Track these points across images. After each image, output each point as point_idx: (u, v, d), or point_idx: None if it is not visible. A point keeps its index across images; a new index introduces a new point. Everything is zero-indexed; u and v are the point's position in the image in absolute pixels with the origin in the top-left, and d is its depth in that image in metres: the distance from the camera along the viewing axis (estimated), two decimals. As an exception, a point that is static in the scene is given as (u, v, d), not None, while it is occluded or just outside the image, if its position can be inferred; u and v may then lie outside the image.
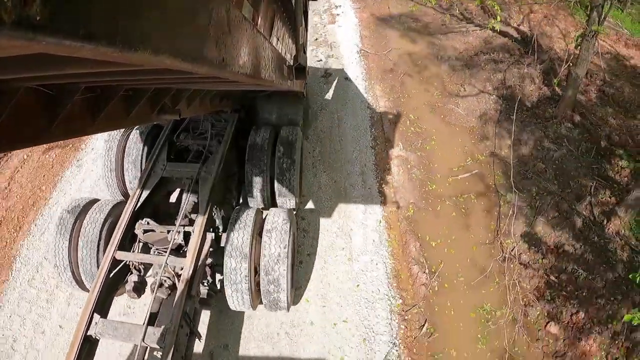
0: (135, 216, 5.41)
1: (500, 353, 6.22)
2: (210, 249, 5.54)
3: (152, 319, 4.70)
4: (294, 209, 7.19)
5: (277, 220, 5.65)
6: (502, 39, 12.08)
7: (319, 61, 11.36)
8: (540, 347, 6.35)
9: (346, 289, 6.65)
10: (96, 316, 4.49)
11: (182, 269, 5.02)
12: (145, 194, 5.63)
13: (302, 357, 5.94)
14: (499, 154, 8.85)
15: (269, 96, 7.39)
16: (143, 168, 6.65)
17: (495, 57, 11.42)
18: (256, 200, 6.86)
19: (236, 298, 5.42)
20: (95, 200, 5.94)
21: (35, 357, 5.88)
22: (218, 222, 5.82)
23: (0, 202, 7.83)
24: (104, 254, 5.24)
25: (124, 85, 2.49)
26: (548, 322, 6.55)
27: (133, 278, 5.23)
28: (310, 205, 7.84)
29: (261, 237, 5.58)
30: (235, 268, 5.26)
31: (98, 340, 4.54)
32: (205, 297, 5.40)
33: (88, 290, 5.54)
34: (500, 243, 7.33)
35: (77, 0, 0.79)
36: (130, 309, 6.34)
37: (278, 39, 3.81)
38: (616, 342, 6.08)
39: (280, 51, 3.95)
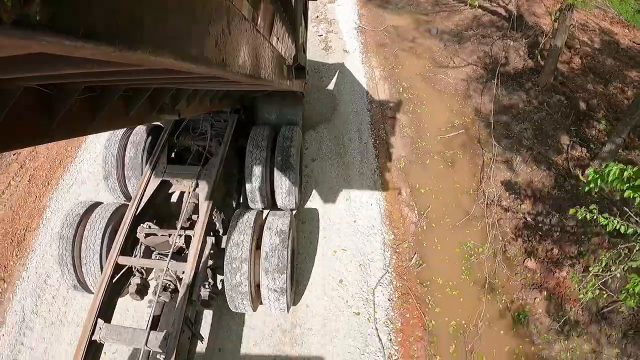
0: (137, 220, 5.43)
1: (481, 283, 7.04)
2: (211, 251, 5.57)
3: (154, 323, 4.76)
4: (293, 209, 7.21)
5: (276, 224, 5.70)
6: (491, 17, 12.88)
7: (319, 36, 12.20)
8: (519, 279, 7.14)
9: (344, 223, 7.56)
10: (100, 321, 4.56)
11: (183, 272, 5.05)
12: (146, 197, 5.65)
13: (305, 279, 6.87)
14: (482, 116, 9.75)
15: (268, 96, 7.38)
16: (143, 169, 6.67)
17: (483, 33, 12.24)
18: (256, 201, 6.85)
19: (236, 300, 5.48)
20: (97, 204, 6.01)
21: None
22: (218, 225, 5.86)
23: (28, 163, 8.59)
24: (106, 256, 5.30)
25: (123, 85, 2.49)
26: (525, 258, 7.31)
27: (136, 280, 5.27)
28: (314, 154, 8.77)
29: (261, 239, 5.62)
30: (235, 271, 5.31)
31: (102, 345, 4.60)
32: (206, 299, 5.45)
33: (91, 292, 5.65)
34: (483, 191, 8.18)
35: (77, 0, 0.79)
36: (127, 311, 6.36)
37: (278, 39, 3.81)
38: (587, 275, 6.63)
39: (280, 51, 3.95)
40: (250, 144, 6.76)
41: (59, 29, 0.75)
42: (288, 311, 5.94)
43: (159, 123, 7.03)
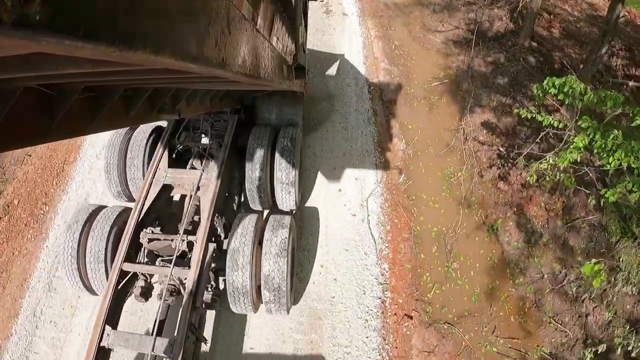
0: (140, 225, 5.49)
1: (459, 199, 8.25)
2: (213, 254, 5.65)
3: (160, 327, 4.88)
4: (293, 210, 7.21)
5: (277, 227, 5.81)
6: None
7: (321, 1, 13.15)
8: (492, 198, 8.34)
9: (343, 147, 8.99)
10: (108, 328, 4.68)
11: (186, 278, 5.14)
12: (148, 202, 5.70)
13: (310, 189, 8.17)
14: (465, 70, 10.94)
15: (268, 96, 7.38)
16: (144, 172, 6.72)
17: (470, 1, 13.23)
18: (256, 202, 6.87)
19: (238, 302, 5.59)
20: (101, 207, 6.08)
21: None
22: (220, 230, 5.94)
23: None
24: (111, 261, 5.40)
25: (123, 85, 2.49)
26: (498, 181, 8.50)
27: (140, 283, 5.37)
28: (317, 95, 9.95)
29: (262, 243, 5.72)
30: (237, 275, 5.41)
31: (110, 350, 4.72)
32: (209, 301, 5.56)
33: (96, 294, 5.79)
34: (463, 129, 9.31)
35: (77, 0, 0.79)
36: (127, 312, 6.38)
37: (278, 39, 3.80)
38: (553, 196, 8.03)
39: (279, 51, 3.95)
40: (251, 145, 6.76)
41: (59, 29, 0.75)
42: (288, 313, 6.00)
43: (160, 123, 7.02)
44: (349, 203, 7.95)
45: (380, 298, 6.86)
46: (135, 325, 6.29)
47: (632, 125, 5.16)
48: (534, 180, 6.50)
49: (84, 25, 0.81)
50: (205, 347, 5.80)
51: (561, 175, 6.15)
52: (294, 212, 7.40)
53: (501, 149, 8.94)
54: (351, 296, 6.82)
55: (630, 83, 10.41)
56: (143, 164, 6.83)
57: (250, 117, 7.54)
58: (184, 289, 5.10)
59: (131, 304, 5.80)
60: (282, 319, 6.36)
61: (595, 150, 5.20)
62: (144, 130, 7.10)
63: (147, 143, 6.92)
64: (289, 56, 4.83)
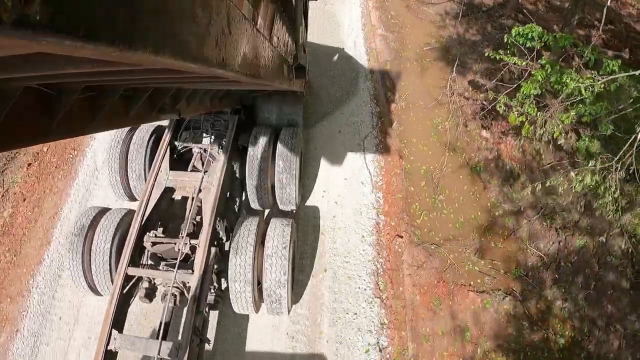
0: (143, 229, 5.56)
1: (445, 144, 9.10)
2: (216, 257, 5.74)
3: (165, 330, 4.97)
4: (293, 210, 7.22)
5: (277, 231, 5.93)
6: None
7: None
8: (476, 144, 9.30)
9: (343, 99, 9.97)
10: (114, 331, 4.80)
11: (189, 283, 5.23)
12: (150, 205, 5.75)
13: (314, 131, 9.22)
14: (455, 38, 11.99)
15: (269, 96, 7.38)
16: (146, 172, 6.76)
17: None
18: (257, 202, 6.90)
19: (240, 303, 5.72)
20: (106, 210, 6.17)
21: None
22: (222, 234, 6.03)
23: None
24: (116, 263, 5.51)
25: (123, 85, 2.49)
26: (481, 130, 9.47)
27: (144, 285, 5.46)
28: (320, 56, 10.77)
29: (263, 245, 5.84)
30: (239, 277, 5.55)
31: (117, 353, 4.85)
32: (212, 302, 5.67)
33: (100, 295, 5.95)
34: (450, 85, 9.98)
35: (77, 0, 0.79)
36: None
37: (278, 39, 3.80)
38: (531, 143, 8.87)
39: (280, 51, 3.95)
40: (251, 145, 6.77)
41: (59, 29, 0.74)
42: (289, 313, 6.09)
43: (161, 123, 7.02)
44: (347, 142, 9.08)
45: (375, 219, 7.91)
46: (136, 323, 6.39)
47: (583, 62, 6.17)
48: (502, 111, 7.34)
49: (84, 25, 0.81)
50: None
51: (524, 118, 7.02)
52: (294, 211, 7.42)
53: (484, 102, 9.75)
54: (350, 216, 7.89)
55: (609, 52, 10.95)
56: (144, 164, 6.84)
57: (250, 117, 7.54)
58: (188, 291, 5.19)
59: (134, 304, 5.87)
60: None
61: (552, 84, 6.22)
62: (145, 130, 7.10)
63: (148, 143, 6.93)
64: (289, 56, 4.83)
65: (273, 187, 6.90)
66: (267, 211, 7.65)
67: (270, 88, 5.21)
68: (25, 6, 0.65)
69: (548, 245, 7.89)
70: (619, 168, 5.82)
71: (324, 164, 8.65)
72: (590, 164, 6.05)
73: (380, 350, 6.52)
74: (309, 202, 8.00)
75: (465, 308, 7.09)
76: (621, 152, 5.73)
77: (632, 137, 5.60)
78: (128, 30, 0.97)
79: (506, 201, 8.44)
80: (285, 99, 7.48)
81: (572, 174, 6.32)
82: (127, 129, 7.12)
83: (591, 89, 5.78)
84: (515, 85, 7.23)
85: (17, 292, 7.02)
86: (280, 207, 7.11)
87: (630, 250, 7.27)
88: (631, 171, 6.02)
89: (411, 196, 8.36)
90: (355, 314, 6.81)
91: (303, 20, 5.59)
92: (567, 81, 5.88)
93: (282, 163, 6.78)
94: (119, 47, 0.94)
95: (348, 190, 8.24)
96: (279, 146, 6.89)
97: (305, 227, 7.64)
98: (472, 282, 7.36)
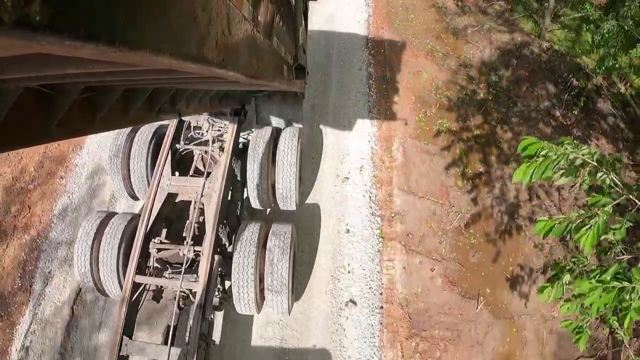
0: (148, 235, 5.68)
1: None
2: (220, 258, 5.86)
3: (173, 336, 5.12)
4: (294, 209, 7.24)
5: (278, 235, 6.11)
6: None
7: None
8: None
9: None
10: (125, 338, 4.98)
11: (195, 291, 5.36)
12: (154, 211, 5.83)
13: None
14: None
15: (269, 96, 7.39)
16: (147, 170, 6.81)
17: None
18: (257, 202, 6.97)
19: (243, 304, 5.89)
20: (112, 214, 6.30)
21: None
22: (225, 239, 6.19)
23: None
24: (123, 267, 5.67)
25: (123, 85, 2.49)
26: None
27: (152, 287, 5.62)
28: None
29: (265, 248, 6.00)
30: (242, 279, 5.72)
31: (128, 357, 5.04)
32: (217, 304, 5.82)
33: (108, 296, 6.14)
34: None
35: (77, 0, 0.79)
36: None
37: (278, 39, 3.80)
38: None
39: (280, 51, 3.95)
40: (252, 146, 6.79)
41: (59, 29, 0.75)
42: (289, 314, 6.27)
43: (161, 122, 7.02)
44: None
45: (368, 13, 11.77)
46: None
47: None
48: None
49: (84, 25, 0.81)
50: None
51: None
52: (295, 210, 7.45)
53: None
54: (350, 15, 11.55)
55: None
56: (146, 165, 6.84)
57: (250, 117, 7.55)
58: (193, 296, 5.34)
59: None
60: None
61: None
62: (146, 131, 7.10)
63: (149, 144, 6.93)
64: (289, 56, 4.83)
65: (273, 186, 6.93)
66: (268, 211, 7.69)
67: (270, 88, 5.22)
68: (25, 6, 0.65)
69: (482, 39, 11.82)
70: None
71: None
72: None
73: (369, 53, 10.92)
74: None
75: (423, 64, 10.78)
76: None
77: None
78: (128, 31, 0.97)
79: (456, 21, 12.12)
80: (286, 100, 7.50)
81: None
82: (126, 131, 7.12)
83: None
84: None
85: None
86: (281, 207, 7.13)
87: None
88: None
89: (391, 14, 11.83)
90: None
91: (303, 21, 5.59)
92: None
93: (282, 163, 6.81)
94: (119, 47, 0.94)
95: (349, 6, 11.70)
96: (279, 146, 6.91)
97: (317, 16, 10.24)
98: (430, 54, 11.10)
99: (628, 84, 11.24)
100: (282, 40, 4.07)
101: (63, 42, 0.78)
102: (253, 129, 7.18)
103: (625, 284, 3.18)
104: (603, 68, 8.91)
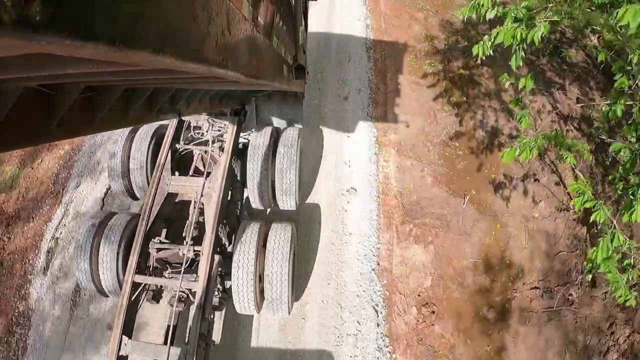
0: (147, 235, 5.67)
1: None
2: (220, 257, 5.85)
3: (173, 334, 5.15)
4: (293, 209, 7.24)
5: (278, 236, 6.10)
6: None
7: None
8: None
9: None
10: (125, 338, 4.97)
11: (195, 291, 5.36)
12: (154, 211, 5.83)
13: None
14: None
15: (268, 96, 7.39)
16: (147, 170, 6.83)
17: None
18: (257, 202, 6.98)
19: (243, 303, 5.90)
20: (112, 214, 6.30)
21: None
22: (224, 239, 6.18)
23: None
24: (123, 267, 5.69)
25: (123, 85, 2.49)
26: None
27: (151, 287, 5.62)
28: None
29: (265, 248, 6.00)
30: (242, 278, 5.73)
31: (127, 357, 5.01)
32: (216, 304, 5.81)
33: (107, 296, 6.16)
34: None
35: (77, 0, 0.79)
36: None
37: (278, 39, 3.80)
38: None
39: (279, 51, 3.96)
40: (252, 147, 6.78)
41: (59, 30, 0.75)
42: (289, 313, 6.27)
43: (161, 122, 7.03)
44: None
45: None
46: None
47: None
48: None
49: (84, 25, 0.81)
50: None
51: None
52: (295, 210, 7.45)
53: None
54: None
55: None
56: (146, 165, 6.85)
57: (250, 117, 7.55)
58: (193, 296, 5.34)
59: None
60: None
61: None
62: (146, 131, 7.11)
63: (149, 144, 6.93)
64: (289, 56, 4.84)
65: (273, 187, 6.93)
66: (268, 211, 7.69)
67: (269, 88, 5.22)
68: (25, 6, 0.65)
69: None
70: None
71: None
72: None
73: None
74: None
75: (415, 18, 11.63)
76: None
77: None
78: (128, 30, 0.97)
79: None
80: (285, 100, 7.50)
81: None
82: (126, 131, 7.13)
83: None
84: None
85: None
86: (281, 207, 7.14)
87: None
88: None
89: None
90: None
91: (303, 21, 5.59)
92: None
93: (282, 164, 6.81)
94: (119, 47, 0.94)
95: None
96: (279, 147, 6.91)
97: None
98: (421, 11, 11.87)
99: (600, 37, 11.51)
100: (282, 40, 4.07)
101: (63, 42, 0.78)
102: (253, 129, 7.16)
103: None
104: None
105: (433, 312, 7.28)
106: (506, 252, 8.04)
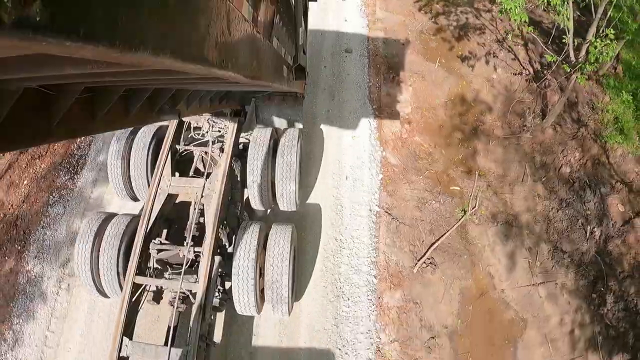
0: (148, 236, 5.67)
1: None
2: (220, 258, 5.85)
3: (174, 335, 5.14)
4: (294, 210, 7.24)
5: (278, 237, 6.10)
6: None
7: None
8: None
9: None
10: (125, 339, 4.97)
11: (195, 291, 5.35)
12: (154, 212, 5.84)
13: None
14: None
15: (268, 97, 7.39)
16: (147, 170, 6.82)
17: None
18: (258, 202, 6.98)
19: (243, 304, 5.90)
20: (112, 215, 6.29)
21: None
22: (225, 240, 6.15)
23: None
24: (123, 269, 5.68)
25: (123, 86, 2.49)
26: None
27: (152, 288, 5.60)
28: None
29: (266, 249, 6.00)
30: (242, 279, 5.73)
31: (128, 358, 5.01)
32: (217, 305, 5.80)
33: (108, 297, 6.15)
34: None
35: (77, 0, 0.79)
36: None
37: (278, 40, 3.81)
38: None
39: (280, 52, 3.96)
40: (252, 147, 6.78)
41: (59, 30, 0.75)
42: (290, 314, 6.27)
43: (162, 124, 7.03)
44: None
45: None
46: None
47: None
48: None
49: (84, 25, 0.81)
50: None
51: None
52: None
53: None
54: None
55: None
56: (147, 166, 6.84)
57: (250, 118, 7.54)
58: (194, 297, 5.33)
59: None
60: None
61: None
62: (147, 131, 7.10)
63: (150, 145, 6.93)
64: (289, 57, 4.84)
65: (273, 187, 6.91)
66: (268, 212, 7.69)
67: (270, 89, 5.22)
68: (25, 6, 0.65)
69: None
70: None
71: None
72: None
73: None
74: None
75: None
76: None
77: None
78: (128, 31, 0.97)
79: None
80: (285, 100, 7.50)
81: None
82: (126, 132, 7.12)
83: None
84: None
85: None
86: (281, 208, 7.13)
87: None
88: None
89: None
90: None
91: (303, 22, 5.59)
92: None
93: (282, 164, 6.80)
94: (120, 48, 0.94)
95: None
96: (279, 147, 6.90)
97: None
98: None
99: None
100: (282, 40, 4.07)
101: (63, 42, 0.78)
102: (253, 130, 7.16)
103: None
104: None
105: (413, 128, 9.88)
106: (471, 96, 10.49)
